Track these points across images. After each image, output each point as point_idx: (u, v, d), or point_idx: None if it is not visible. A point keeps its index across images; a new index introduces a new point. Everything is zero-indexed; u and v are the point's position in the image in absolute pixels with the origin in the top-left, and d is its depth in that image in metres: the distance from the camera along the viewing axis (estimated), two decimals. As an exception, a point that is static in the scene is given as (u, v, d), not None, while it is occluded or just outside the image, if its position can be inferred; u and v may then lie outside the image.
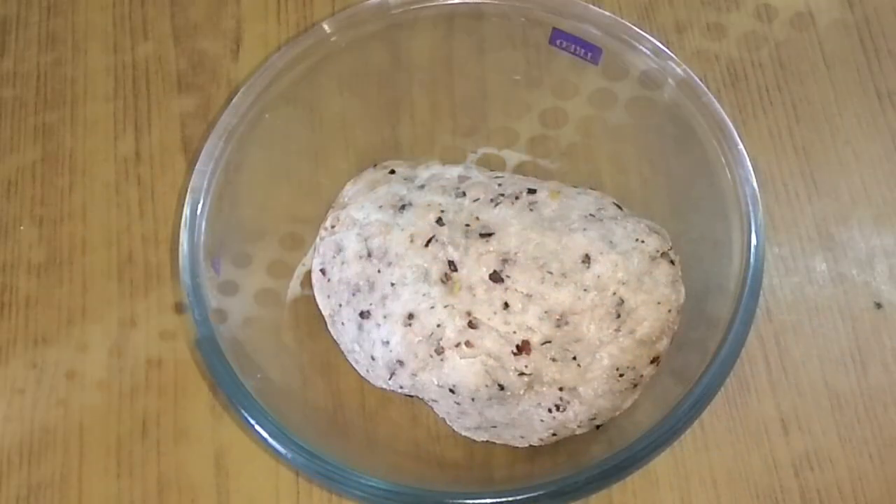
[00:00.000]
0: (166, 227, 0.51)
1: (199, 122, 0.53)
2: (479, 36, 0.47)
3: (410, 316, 0.42)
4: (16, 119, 0.54)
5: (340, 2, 0.56)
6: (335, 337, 0.45)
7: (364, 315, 0.43)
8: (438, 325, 0.41)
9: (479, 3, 0.45)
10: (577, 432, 0.43)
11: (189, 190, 0.42)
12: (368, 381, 0.45)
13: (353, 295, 0.44)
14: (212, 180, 0.43)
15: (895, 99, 0.52)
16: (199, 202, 0.42)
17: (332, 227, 0.46)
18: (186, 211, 0.42)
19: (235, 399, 0.39)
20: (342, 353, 0.45)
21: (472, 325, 0.41)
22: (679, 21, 0.54)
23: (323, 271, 0.46)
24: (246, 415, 0.39)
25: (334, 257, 0.45)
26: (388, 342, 0.42)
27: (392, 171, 0.47)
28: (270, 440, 0.38)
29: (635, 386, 0.43)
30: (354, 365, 0.45)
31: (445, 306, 0.42)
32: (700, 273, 0.43)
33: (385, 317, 0.43)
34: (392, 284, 0.43)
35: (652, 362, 0.42)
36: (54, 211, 0.51)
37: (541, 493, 0.37)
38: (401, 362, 0.42)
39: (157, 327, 0.48)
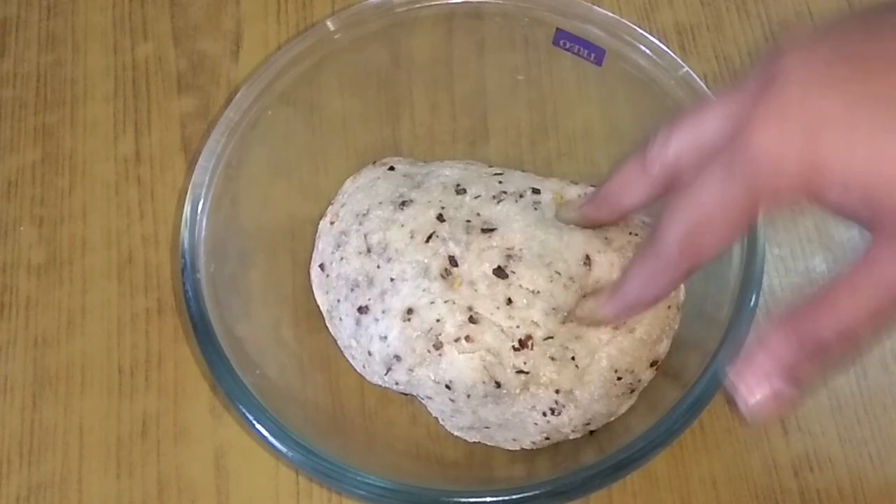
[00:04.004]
0: (166, 227, 0.51)
1: (199, 123, 0.53)
2: (480, 36, 0.47)
3: (409, 311, 0.42)
4: (16, 119, 0.54)
5: (340, 2, 0.56)
6: (333, 333, 0.46)
7: (362, 310, 0.43)
8: (438, 320, 0.41)
9: (479, 2, 0.46)
10: (571, 437, 0.43)
11: (190, 186, 0.42)
12: (364, 378, 0.45)
13: (352, 290, 0.44)
14: (213, 177, 0.43)
15: (895, 99, 0.52)
16: (199, 199, 0.42)
17: (332, 223, 0.46)
18: (187, 207, 0.42)
19: (234, 396, 0.39)
20: (340, 349, 0.45)
21: (472, 319, 0.41)
22: (679, 21, 0.55)
23: (322, 267, 0.46)
24: (244, 410, 0.39)
25: (333, 253, 0.45)
26: (385, 337, 0.42)
27: (392, 168, 0.47)
28: (269, 437, 0.38)
29: (632, 391, 0.43)
30: (351, 361, 0.45)
31: (445, 301, 0.42)
32: (700, 273, 0.43)
33: (384, 312, 0.43)
34: (391, 280, 0.43)
35: (651, 366, 0.42)
36: (54, 211, 0.51)
37: (540, 492, 0.37)
38: (398, 357, 0.42)
39: (157, 327, 0.48)
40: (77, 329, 0.49)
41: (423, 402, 0.44)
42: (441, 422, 0.44)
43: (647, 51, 0.44)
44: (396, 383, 0.43)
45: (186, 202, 0.42)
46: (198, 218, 0.42)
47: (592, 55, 0.45)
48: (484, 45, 0.48)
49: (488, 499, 0.37)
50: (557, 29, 0.45)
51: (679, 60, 0.44)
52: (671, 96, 0.44)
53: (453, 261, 0.42)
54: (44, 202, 0.52)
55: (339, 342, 0.45)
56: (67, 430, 0.47)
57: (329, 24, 0.45)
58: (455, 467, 0.44)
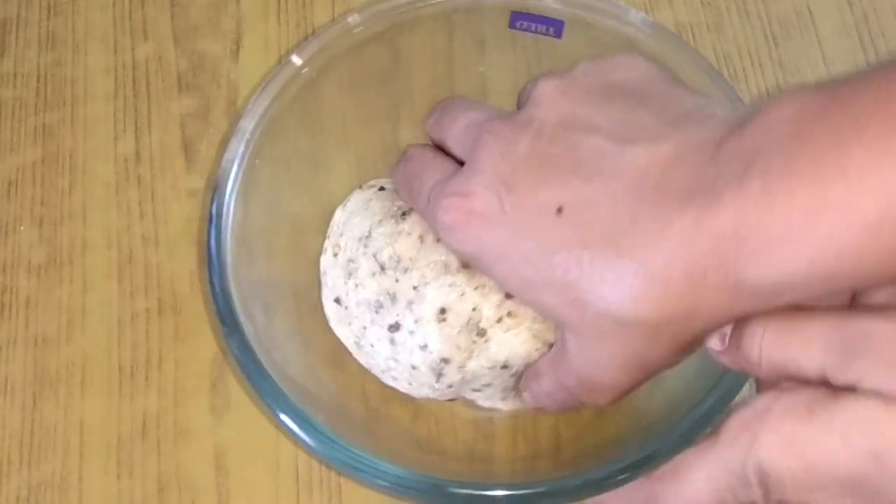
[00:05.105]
0: (167, 227, 0.51)
1: (199, 123, 0.53)
2: (480, 35, 0.47)
3: (442, 311, 0.41)
4: (16, 119, 0.54)
5: (340, 2, 0.56)
6: (364, 363, 0.44)
7: (393, 328, 0.42)
8: (474, 309, 0.41)
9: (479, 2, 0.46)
10: None
11: (214, 192, 0.42)
12: (411, 395, 0.43)
13: (377, 312, 0.42)
14: (235, 182, 0.42)
15: (895, 99, 0.52)
16: (223, 204, 0.42)
17: (335, 255, 0.45)
18: (213, 211, 0.41)
19: (267, 395, 0.38)
20: (350, 351, 0.45)
21: (508, 295, 0.40)
22: (679, 21, 0.55)
23: (338, 301, 0.44)
24: (283, 416, 0.38)
25: (346, 283, 0.44)
26: (426, 346, 0.41)
27: (382, 189, 0.46)
28: (302, 435, 0.38)
29: None
30: (393, 383, 0.43)
31: (475, 289, 0.41)
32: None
33: (416, 321, 0.41)
34: (414, 288, 0.42)
35: None
36: (54, 211, 0.51)
37: (541, 491, 0.37)
38: (445, 360, 0.41)
39: (157, 327, 0.48)
40: (77, 329, 0.49)
41: (473, 396, 0.43)
42: (502, 406, 0.44)
43: (611, 13, 0.44)
44: (449, 386, 0.42)
45: (211, 207, 0.41)
46: (222, 223, 0.41)
47: (551, 29, 0.45)
48: (484, 44, 0.48)
49: (500, 492, 0.37)
50: (512, 12, 0.45)
51: (643, 14, 0.44)
52: (647, 50, 0.44)
53: None
54: (44, 202, 0.52)
55: (373, 370, 0.44)
56: (67, 430, 0.47)
57: (294, 58, 0.45)
58: (457, 461, 0.44)
